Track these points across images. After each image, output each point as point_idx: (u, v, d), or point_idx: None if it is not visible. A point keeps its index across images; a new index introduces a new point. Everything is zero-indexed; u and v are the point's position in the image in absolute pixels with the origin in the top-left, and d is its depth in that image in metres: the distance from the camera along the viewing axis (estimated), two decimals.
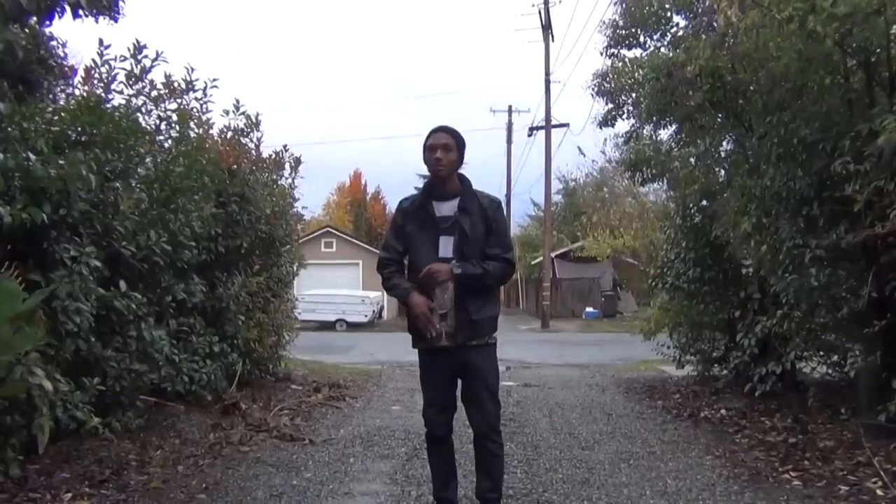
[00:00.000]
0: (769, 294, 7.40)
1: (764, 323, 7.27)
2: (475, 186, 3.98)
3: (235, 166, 7.67)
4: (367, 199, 48.09)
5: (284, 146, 9.06)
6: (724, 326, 8.93)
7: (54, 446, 4.92)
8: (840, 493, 4.63)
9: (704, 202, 8.61)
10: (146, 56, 6.21)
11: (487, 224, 3.84)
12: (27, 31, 5.32)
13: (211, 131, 7.68)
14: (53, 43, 6.17)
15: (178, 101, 6.84)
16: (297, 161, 9.27)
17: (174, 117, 6.72)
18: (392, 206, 48.30)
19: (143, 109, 6.40)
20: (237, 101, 8.02)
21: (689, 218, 8.94)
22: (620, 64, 8.94)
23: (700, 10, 7.81)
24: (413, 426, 6.89)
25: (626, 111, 9.37)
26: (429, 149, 3.82)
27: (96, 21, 5.25)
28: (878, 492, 4.58)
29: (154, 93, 6.48)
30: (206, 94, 7.16)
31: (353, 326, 26.35)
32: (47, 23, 5.02)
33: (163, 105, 6.61)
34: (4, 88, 4.95)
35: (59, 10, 4.70)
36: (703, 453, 5.83)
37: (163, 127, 6.63)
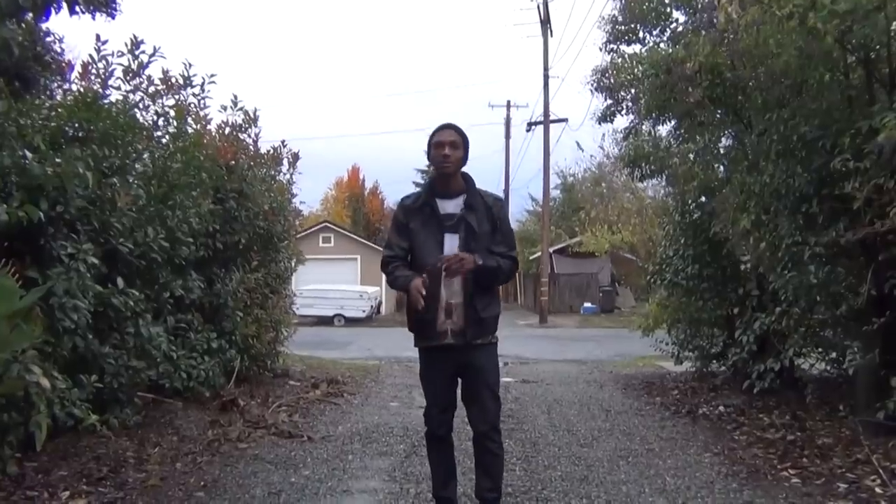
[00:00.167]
0: (768, 291, 7.39)
1: (763, 320, 7.27)
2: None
3: (233, 162, 7.66)
4: (366, 194, 48.06)
5: (282, 142, 9.07)
6: (723, 323, 8.93)
7: (52, 443, 4.91)
8: (839, 490, 4.63)
9: (703, 198, 8.59)
10: (143, 52, 6.18)
11: (492, 222, 3.83)
12: (24, 26, 5.29)
13: (209, 127, 7.66)
14: (50, 38, 6.15)
15: (176, 96, 6.83)
16: (296, 156, 9.26)
17: (172, 113, 6.69)
18: (390, 201, 47.96)
19: (141, 105, 6.38)
20: (235, 97, 8.02)
21: (687, 214, 8.93)
22: (620, 60, 8.92)
23: (700, 7, 7.80)
24: (411, 423, 6.89)
25: (625, 107, 9.36)
26: (436, 145, 3.79)
27: (93, 18, 5.23)
28: (877, 489, 4.57)
29: (151, 88, 6.45)
30: (203, 90, 7.14)
31: (351, 321, 26.35)
32: (44, 19, 4.99)
33: (160, 101, 6.59)
34: (0, 85, 4.92)
35: (55, 6, 4.67)
36: (702, 450, 5.83)
37: (160, 123, 6.61)
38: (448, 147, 3.77)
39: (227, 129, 7.94)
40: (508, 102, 36.84)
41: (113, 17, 5.47)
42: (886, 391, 5.48)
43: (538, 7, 27.56)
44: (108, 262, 5.29)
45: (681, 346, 9.71)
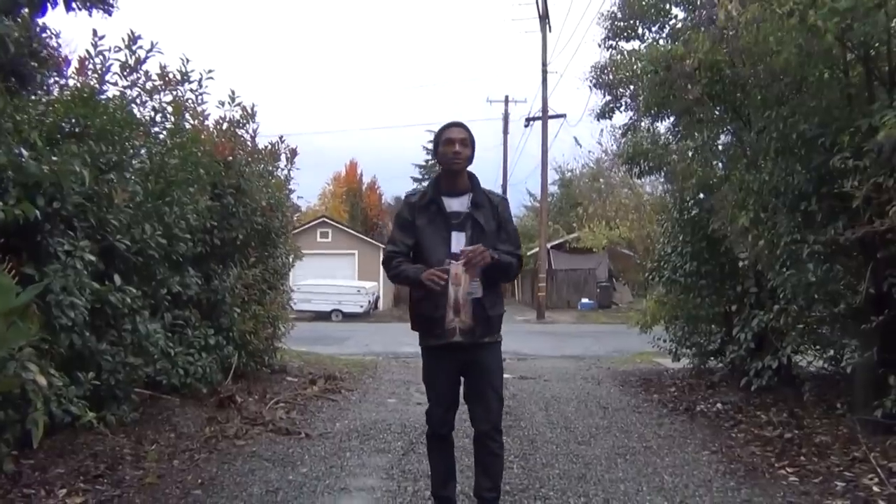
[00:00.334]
0: (766, 288, 7.40)
1: (761, 317, 7.27)
2: None
3: (231, 158, 7.63)
4: (363, 189, 47.98)
5: (280, 137, 9.05)
6: (721, 320, 8.94)
7: (49, 440, 4.89)
8: (836, 489, 4.63)
9: (702, 196, 8.59)
10: (141, 47, 6.15)
11: (498, 221, 3.83)
12: (20, 21, 5.25)
13: (206, 123, 7.64)
14: (46, 34, 6.10)
15: (174, 92, 6.80)
16: (293, 152, 9.25)
17: (169, 109, 6.67)
18: (388, 196, 47.95)
19: (138, 101, 6.36)
20: (233, 92, 7.99)
21: (686, 211, 8.92)
22: (619, 56, 8.90)
23: (699, 3, 7.77)
24: (409, 420, 6.89)
25: (623, 103, 9.35)
26: (446, 142, 3.77)
27: (90, 14, 5.19)
28: (875, 488, 4.57)
29: (149, 84, 6.43)
30: (201, 86, 7.12)
31: (349, 317, 26.35)
32: (40, 14, 4.96)
33: (158, 96, 6.57)
34: None
35: (51, 2, 4.63)
36: (700, 448, 5.83)
37: (158, 119, 6.59)
38: (458, 144, 3.76)
39: (225, 125, 7.91)
40: (507, 98, 36.89)
41: (110, 14, 5.44)
42: (884, 389, 5.49)
43: (537, 2, 27.52)
44: (105, 259, 5.27)
45: (678, 342, 9.73)
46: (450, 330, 3.70)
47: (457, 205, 3.80)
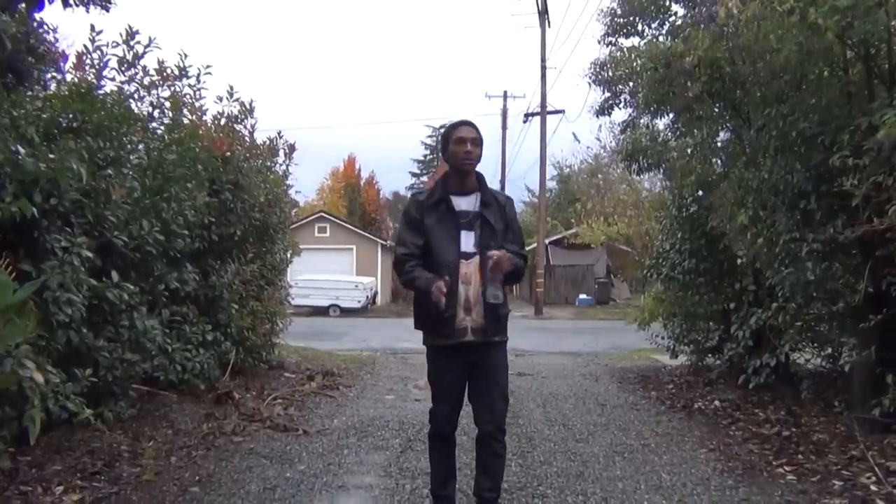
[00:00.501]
0: (764, 286, 7.40)
1: (759, 315, 7.27)
2: None
3: (229, 153, 7.61)
4: (362, 184, 47.91)
5: (279, 132, 9.04)
6: (719, 317, 8.94)
7: (46, 437, 4.88)
8: (834, 488, 4.64)
9: (700, 193, 8.57)
10: (139, 42, 6.14)
11: (505, 221, 3.83)
12: (17, 17, 5.22)
13: (204, 118, 7.61)
14: (44, 29, 6.08)
15: (172, 87, 6.77)
16: (292, 148, 9.24)
17: (167, 104, 6.65)
18: (386, 191, 47.85)
19: (136, 96, 6.33)
20: (231, 88, 7.97)
21: (685, 209, 8.91)
22: (618, 53, 8.87)
23: (699, 0, 7.73)
24: (407, 416, 6.89)
25: (623, 100, 9.31)
26: (458, 141, 3.75)
27: (87, 10, 5.16)
28: (873, 487, 4.57)
29: (147, 79, 6.40)
30: (199, 81, 7.10)
31: (347, 312, 26.32)
32: (37, 9, 4.93)
33: (155, 92, 6.54)
34: None
35: None
36: (698, 446, 5.84)
37: (155, 114, 6.56)
38: (470, 144, 3.75)
39: (223, 121, 7.90)
40: (505, 93, 36.78)
41: (107, 10, 5.41)
42: (882, 388, 5.48)
43: None
44: (103, 255, 5.26)
45: (676, 339, 9.72)
46: (460, 329, 3.68)
47: (465, 204, 3.79)
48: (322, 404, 7.58)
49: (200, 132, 7.19)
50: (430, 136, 57.37)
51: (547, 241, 30.66)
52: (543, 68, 27.48)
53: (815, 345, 7.46)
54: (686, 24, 7.54)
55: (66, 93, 5.58)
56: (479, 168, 3.87)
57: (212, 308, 7.40)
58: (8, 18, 4.94)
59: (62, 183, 4.61)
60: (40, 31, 5.99)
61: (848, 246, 5.83)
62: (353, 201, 45.31)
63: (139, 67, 6.29)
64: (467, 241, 3.72)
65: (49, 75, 6.20)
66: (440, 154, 3.92)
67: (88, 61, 6.00)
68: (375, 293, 30.18)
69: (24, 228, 4.56)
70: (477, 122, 3.93)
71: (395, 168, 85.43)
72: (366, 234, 34.17)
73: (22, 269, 4.48)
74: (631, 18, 9.04)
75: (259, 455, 5.38)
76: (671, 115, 8.61)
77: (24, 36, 5.38)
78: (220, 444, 5.63)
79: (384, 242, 34.23)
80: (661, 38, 8.69)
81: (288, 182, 9.35)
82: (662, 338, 10.04)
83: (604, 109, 9.68)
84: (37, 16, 5.77)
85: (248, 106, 8.16)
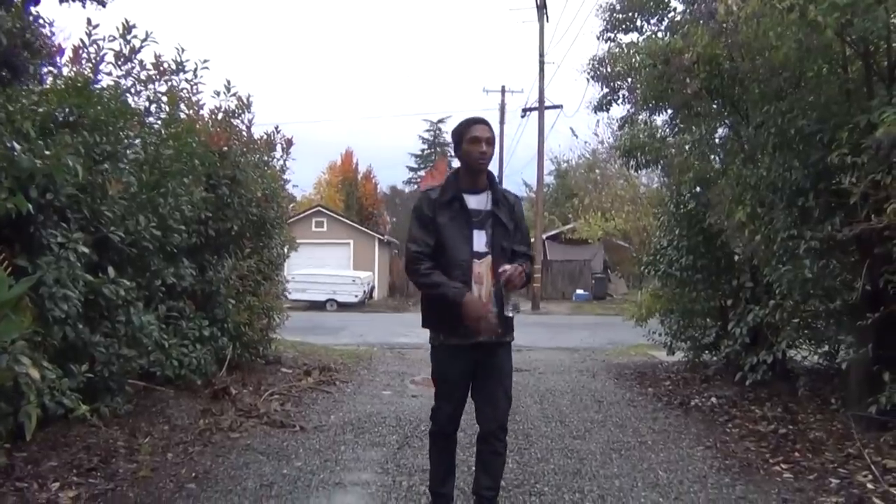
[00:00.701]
0: (761, 283, 7.40)
1: (756, 312, 7.27)
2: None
3: (226, 148, 7.58)
4: (359, 178, 47.82)
5: (276, 127, 9.01)
6: (716, 314, 8.95)
7: (42, 433, 4.87)
8: (831, 486, 4.64)
9: (698, 189, 8.57)
10: (135, 36, 6.10)
11: (514, 220, 3.82)
12: (12, 10, 5.19)
13: (201, 112, 7.59)
14: (40, 22, 6.04)
15: (168, 82, 6.74)
16: (289, 142, 9.20)
17: (164, 99, 6.62)
18: (383, 185, 47.74)
19: (133, 91, 6.31)
20: (228, 82, 7.92)
21: (682, 205, 8.90)
22: (617, 49, 8.86)
23: None
24: (404, 413, 6.88)
25: (621, 96, 9.30)
26: (472, 141, 3.71)
27: (83, 6, 5.12)
28: (869, 485, 4.58)
29: (143, 74, 6.37)
30: (196, 75, 7.07)
31: (344, 306, 26.30)
32: (33, 3, 4.89)
33: (152, 86, 6.51)
34: None
35: None
36: (694, 443, 5.84)
37: (152, 108, 6.54)
38: (485, 143, 3.71)
39: (220, 115, 7.86)
40: (503, 88, 36.71)
41: (104, 6, 5.37)
42: (879, 386, 5.49)
43: None
44: (99, 251, 5.24)
45: (674, 336, 9.72)
46: (474, 331, 3.66)
47: (477, 202, 3.76)
48: (319, 400, 7.57)
49: (197, 127, 7.16)
50: (427, 131, 57.38)
51: (544, 236, 30.67)
52: (542, 63, 27.44)
53: (812, 342, 7.47)
54: (685, 21, 7.53)
55: (63, 87, 5.55)
56: None
57: (208, 303, 7.38)
58: (3, 13, 4.92)
59: (58, 179, 4.59)
60: (36, 24, 5.95)
61: (846, 244, 5.83)
62: (351, 196, 45.23)
63: (136, 62, 6.26)
64: (479, 240, 3.70)
65: (45, 70, 6.17)
66: (453, 151, 3.86)
67: (85, 55, 5.97)
68: (372, 288, 30.18)
69: (20, 224, 4.55)
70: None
71: (393, 162, 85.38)
72: (363, 229, 34.14)
73: (18, 265, 4.47)
74: (630, 14, 9.03)
75: (256, 451, 5.37)
76: (669, 112, 8.60)
77: (19, 31, 5.35)
78: (217, 441, 5.62)
79: (381, 237, 34.22)
80: (660, 35, 8.67)
81: (285, 177, 9.33)
82: (659, 334, 10.04)
83: (602, 105, 9.67)
84: (33, 10, 5.74)
85: (245, 100, 8.13)
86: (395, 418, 6.63)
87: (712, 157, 8.33)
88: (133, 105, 6.26)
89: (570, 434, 6.18)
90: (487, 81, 61.52)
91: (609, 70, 9.00)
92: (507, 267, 3.60)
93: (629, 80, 8.69)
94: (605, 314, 23.61)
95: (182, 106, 7.06)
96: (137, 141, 5.97)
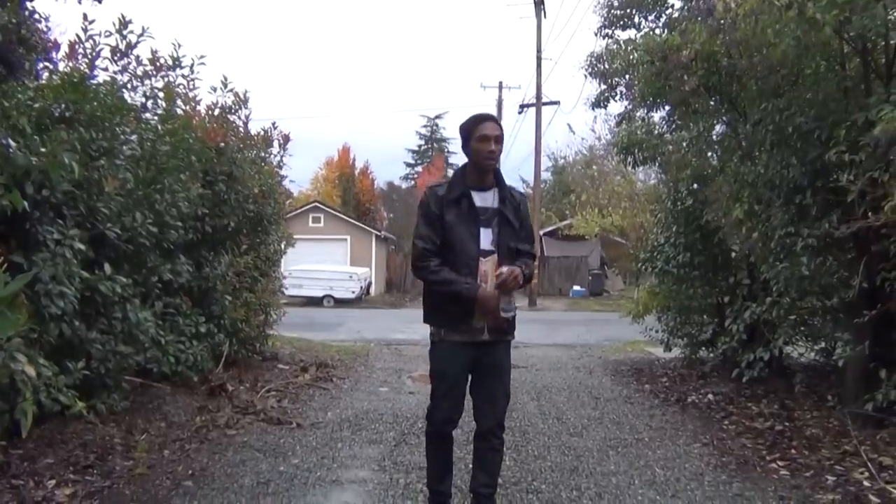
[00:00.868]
0: (758, 280, 7.41)
1: (753, 309, 7.28)
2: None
3: (223, 144, 7.56)
4: (356, 174, 47.74)
5: (273, 123, 8.97)
6: (713, 311, 8.96)
7: (38, 430, 4.85)
8: (827, 483, 4.65)
9: (696, 186, 8.56)
10: (132, 32, 6.06)
11: (520, 218, 3.80)
12: (8, 6, 5.16)
13: (198, 108, 7.55)
14: (36, 17, 6.01)
15: (165, 77, 6.70)
16: (286, 138, 9.16)
17: (160, 94, 6.58)
18: (380, 181, 47.69)
19: (129, 86, 6.27)
20: (225, 78, 7.90)
21: (680, 202, 8.90)
22: (615, 46, 8.84)
23: None
24: (401, 409, 6.88)
25: (619, 93, 9.28)
26: (481, 139, 3.67)
27: (79, 2, 5.10)
28: (865, 482, 4.59)
29: (140, 69, 6.33)
30: (193, 71, 7.02)
31: (341, 302, 26.30)
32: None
33: (149, 82, 6.47)
34: None
35: None
36: (691, 440, 5.84)
37: (149, 104, 6.50)
38: (493, 142, 3.68)
39: (217, 111, 7.83)
40: (500, 84, 36.53)
41: (100, 1, 5.34)
42: (875, 383, 5.52)
43: None
44: (95, 247, 5.21)
45: (670, 332, 9.74)
46: (477, 328, 3.66)
47: (484, 199, 3.74)
48: (316, 396, 7.57)
49: (194, 123, 7.13)
50: (424, 127, 57.27)
51: (541, 233, 30.68)
52: (539, 59, 27.41)
53: (809, 339, 7.50)
54: (683, 18, 7.52)
55: (59, 83, 5.51)
56: None
57: (205, 300, 7.37)
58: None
59: (54, 176, 4.57)
60: (32, 19, 5.92)
61: (843, 241, 5.84)
62: (348, 191, 45.15)
63: (132, 57, 6.22)
64: (486, 238, 3.69)
65: (41, 65, 6.14)
66: (461, 146, 3.81)
67: (81, 51, 5.93)
68: (369, 284, 30.17)
69: (16, 220, 4.52)
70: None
71: (390, 158, 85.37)
72: (360, 225, 34.10)
73: (13, 261, 4.45)
74: (628, 10, 9.02)
75: (252, 448, 5.37)
76: (667, 109, 8.59)
77: (15, 26, 5.32)
78: (214, 438, 5.61)
79: (378, 233, 34.19)
80: (658, 31, 8.66)
81: (282, 173, 9.30)
82: (656, 331, 10.05)
83: (600, 102, 9.65)
84: (29, 5, 5.71)
85: (242, 96, 8.10)
86: (392, 415, 6.63)
87: (710, 154, 8.32)
88: (129, 101, 6.21)
89: (568, 431, 6.19)
90: (485, 77, 61.67)
91: (607, 67, 8.98)
92: (504, 269, 3.59)
93: (627, 76, 8.67)
94: (602, 311, 23.65)
95: (179, 102, 7.02)
96: (134, 137, 5.94)
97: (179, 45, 6.76)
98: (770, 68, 6.10)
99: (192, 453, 5.16)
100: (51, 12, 6.89)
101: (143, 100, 6.46)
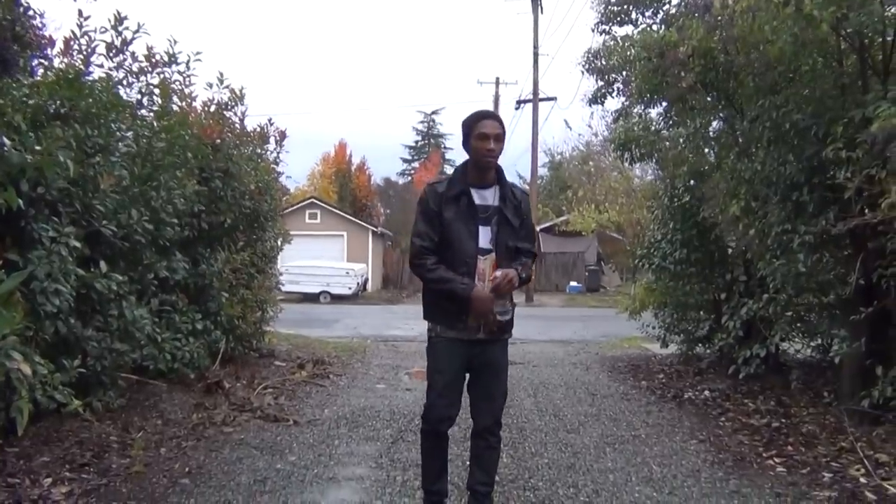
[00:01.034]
0: (755, 277, 7.42)
1: (749, 306, 7.29)
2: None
3: (219, 141, 7.53)
4: (353, 169, 47.68)
5: (269, 119, 8.95)
6: (710, 307, 8.97)
7: (34, 427, 4.83)
8: (824, 480, 4.66)
9: (693, 183, 8.56)
10: (127, 28, 6.05)
11: (521, 217, 3.76)
12: (2, 2, 5.13)
13: (194, 105, 7.51)
14: (30, 14, 5.98)
15: (161, 74, 6.68)
16: (283, 135, 9.14)
17: (156, 91, 6.56)
18: (377, 177, 47.62)
19: (125, 83, 6.24)
20: (221, 74, 7.87)
21: (676, 199, 8.91)
22: (612, 42, 8.83)
23: None
24: (398, 406, 6.87)
25: (616, 89, 9.27)
26: (480, 137, 3.62)
27: None
28: (862, 479, 4.60)
29: (135, 66, 6.31)
30: (188, 67, 6.99)
31: (337, 299, 26.27)
32: None
33: (144, 78, 6.45)
34: None
35: None
36: (688, 437, 5.85)
37: (144, 101, 6.48)
38: (493, 140, 3.62)
39: (213, 107, 7.80)
40: (497, 79, 36.49)
41: None
42: (872, 380, 5.52)
43: None
44: (91, 245, 5.20)
45: (667, 329, 9.76)
46: (472, 327, 3.64)
47: (485, 197, 3.70)
48: (313, 393, 7.56)
49: (190, 119, 7.09)
50: (421, 122, 57.28)
51: (538, 228, 30.61)
52: (536, 55, 27.39)
53: (806, 336, 7.51)
54: (680, 14, 7.49)
55: (54, 79, 5.48)
56: None
57: (201, 296, 7.35)
58: None
59: (49, 174, 4.54)
60: (27, 16, 5.89)
61: (840, 238, 5.84)
62: (344, 187, 45.07)
63: (128, 53, 6.20)
64: (484, 236, 3.65)
65: (36, 62, 6.10)
66: (462, 143, 3.75)
67: (76, 47, 5.91)
68: (366, 280, 30.15)
69: (11, 218, 4.49)
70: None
71: (387, 154, 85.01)
72: (357, 221, 34.05)
73: (9, 259, 4.44)
74: (625, 6, 8.98)
75: (249, 446, 5.36)
76: (664, 105, 8.57)
77: (9, 23, 5.29)
78: (211, 435, 5.60)
79: (375, 229, 34.16)
80: (655, 28, 8.65)
81: (278, 169, 9.29)
82: (653, 327, 10.07)
83: (597, 98, 9.64)
84: (23, 1, 5.67)
85: (238, 92, 8.07)
86: (389, 412, 6.62)
87: (707, 150, 8.32)
88: (125, 97, 6.19)
89: (564, 428, 6.19)
90: (482, 73, 61.41)
91: (604, 63, 8.96)
92: (498, 273, 3.57)
93: (624, 73, 8.66)
94: (599, 306, 23.67)
95: (174, 98, 6.99)
96: (129, 134, 5.90)
97: (175, 42, 6.75)
98: (767, 65, 6.09)
99: (188, 451, 5.15)
100: (45, 8, 6.84)
101: (139, 96, 6.45)
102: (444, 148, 54.36)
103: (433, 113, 56.40)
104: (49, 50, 6.20)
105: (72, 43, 5.90)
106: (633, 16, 9.03)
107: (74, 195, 5.06)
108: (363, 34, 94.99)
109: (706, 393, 7.50)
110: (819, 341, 7.57)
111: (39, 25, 6.24)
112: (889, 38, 5.56)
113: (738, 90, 7.01)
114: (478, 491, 3.80)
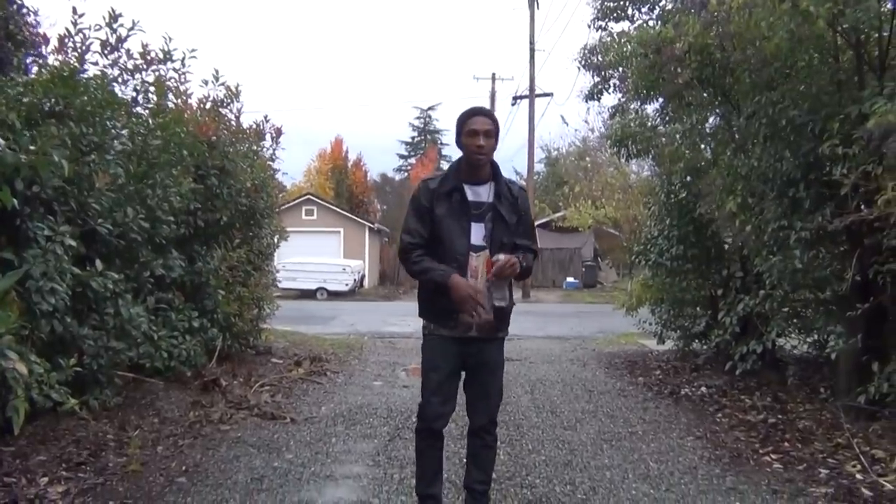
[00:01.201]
0: (751, 273, 7.43)
1: (746, 302, 7.30)
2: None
3: (215, 138, 7.51)
4: (349, 166, 47.62)
5: (265, 117, 8.96)
6: (706, 303, 8.98)
7: (30, 426, 4.83)
8: (820, 476, 4.66)
9: (689, 179, 8.57)
10: (122, 25, 6.05)
11: (518, 213, 3.72)
12: None
13: (190, 102, 7.51)
14: (24, 11, 5.96)
15: (156, 71, 6.67)
16: (279, 131, 9.15)
17: (151, 88, 6.55)
18: (373, 173, 47.52)
19: (119, 80, 6.23)
20: (216, 72, 7.86)
21: (673, 195, 8.90)
22: (609, 38, 8.83)
23: None
24: (395, 404, 6.87)
25: (612, 85, 9.28)
26: (470, 133, 3.59)
27: None
28: (858, 475, 4.61)
29: (130, 63, 6.31)
30: (184, 65, 7.01)
31: (334, 295, 26.27)
32: None
33: (139, 76, 6.45)
34: None
35: None
36: (685, 434, 5.86)
37: (140, 98, 6.47)
38: (483, 137, 3.57)
39: (209, 105, 7.80)
40: (493, 75, 36.46)
41: None
42: (868, 376, 5.52)
43: None
44: (87, 243, 5.18)
45: (664, 325, 9.77)
46: (466, 324, 3.60)
47: (479, 194, 3.65)
48: (309, 391, 7.55)
49: (186, 117, 7.08)
50: (417, 118, 57.23)
51: (535, 224, 30.63)
52: (532, 51, 27.38)
53: (802, 332, 7.51)
54: (677, 10, 7.50)
55: (48, 77, 5.46)
56: None
57: (198, 294, 7.34)
58: None
59: (43, 174, 4.53)
60: (21, 13, 5.86)
61: (836, 234, 5.85)
62: (341, 183, 44.99)
63: (122, 51, 6.20)
64: (477, 233, 3.61)
65: (30, 59, 6.08)
66: (455, 140, 3.72)
67: (70, 45, 5.90)
68: (363, 276, 30.14)
69: (6, 217, 4.48)
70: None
71: (383, 150, 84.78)
72: (353, 217, 34.03)
73: (4, 258, 4.43)
74: (621, 2, 9.01)
75: (246, 444, 5.35)
76: (661, 101, 8.58)
77: (3, 20, 5.27)
78: (207, 433, 5.59)
79: (372, 225, 34.13)
80: (651, 24, 8.65)
81: (275, 166, 9.28)
82: (650, 323, 10.08)
83: (593, 94, 9.66)
84: None
85: (233, 89, 8.06)
86: (386, 409, 6.62)
87: (703, 146, 8.33)
88: (120, 95, 6.18)
89: (561, 425, 6.19)
90: (478, 69, 60.99)
91: (600, 59, 8.97)
92: (501, 256, 3.52)
93: (620, 69, 8.66)
94: (596, 302, 23.70)
95: (170, 95, 6.99)
96: (125, 131, 5.89)
97: (170, 39, 6.75)
98: (763, 61, 6.08)
99: (185, 449, 5.14)
100: (39, 5, 6.83)
101: (134, 94, 6.44)
102: (441, 144, 54.29)
103: (429, 109, 56.38)
104: (43, 48, 6.19)
105: (66, 40, 5.89)
106: (630, 12, 9.06)
107: (70, 193, 5.04)
108: (359, 30, 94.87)
109: (703, 389, 7.51)
110: (815, 337, 7.58)
111: (34, 23, 6.22)
112: (885, 34, 5.55)
113: (734, 86, 7.00)
114: (475, 489, 3.79)
